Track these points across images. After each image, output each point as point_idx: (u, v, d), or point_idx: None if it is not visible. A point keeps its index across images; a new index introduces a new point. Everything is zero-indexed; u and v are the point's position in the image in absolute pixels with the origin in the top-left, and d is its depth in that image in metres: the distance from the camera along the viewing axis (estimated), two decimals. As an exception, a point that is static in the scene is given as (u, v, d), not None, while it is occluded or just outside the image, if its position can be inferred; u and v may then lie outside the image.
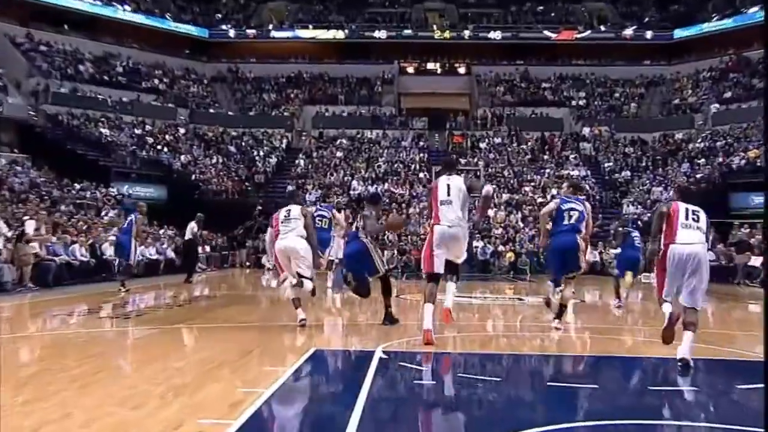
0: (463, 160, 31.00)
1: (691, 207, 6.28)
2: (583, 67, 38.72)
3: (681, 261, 6.00)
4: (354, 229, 8.75)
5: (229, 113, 35.89)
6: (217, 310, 10.60)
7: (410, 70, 40.08)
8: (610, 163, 31.18)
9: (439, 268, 7.08)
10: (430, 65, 40.29)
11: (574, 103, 36.46)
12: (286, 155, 33.14)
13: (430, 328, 6.88)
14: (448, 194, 7.12)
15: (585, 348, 7.56)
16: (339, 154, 32.37)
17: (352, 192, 28.60)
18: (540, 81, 38.26)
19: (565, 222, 7.89)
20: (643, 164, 31.01)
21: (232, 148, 32.73)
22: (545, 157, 32.02)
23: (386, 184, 29.30)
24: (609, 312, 11.07)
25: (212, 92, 37.49)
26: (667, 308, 6.15)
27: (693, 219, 6.19)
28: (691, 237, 6.08)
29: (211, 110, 35.59)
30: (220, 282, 17.26)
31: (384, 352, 6.48)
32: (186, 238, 16.92)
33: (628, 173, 30.39)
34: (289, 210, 8.38)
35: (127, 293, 12.65)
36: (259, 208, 26.89)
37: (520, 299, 13.81)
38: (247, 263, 24.76)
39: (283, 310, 10.64)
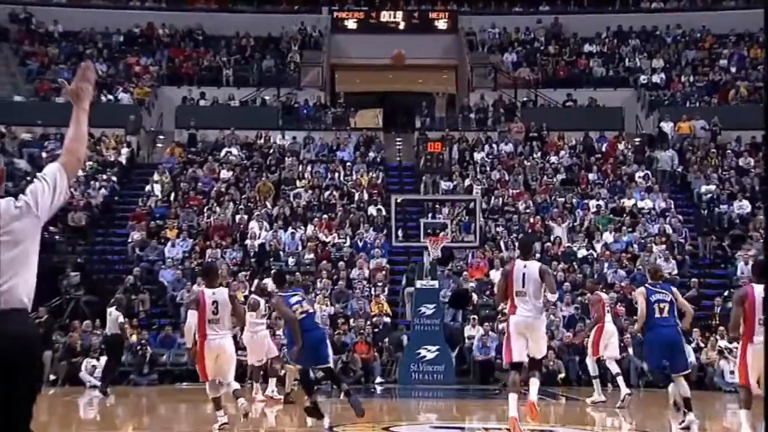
0: (444, 184, 31.09)
1: None
2: (662, 14, 39.66)
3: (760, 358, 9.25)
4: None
5: (16, 98, 35.78)
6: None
7: (350, 23, 40.54)
8: (711, 187, 31.52)
9: (521, 355, 11.23)
10: (387, 15, 40.79)
11: (643, 79, 37.27)
12: (127, 177, 33.07)
13: (516, 416, 11.00)
14: (523, 285, 11.28)
15: None
16: (226, 173, 32.31)
17: (248, 242, 28.44)
18: (581, 41, 39.17)
19: (657, 315, 12.13)
20: (776, 187, 31.23)
21: (22, 164, 32.32)
22: (591, 176, 32.45)
23: (310, 227, 29.24)
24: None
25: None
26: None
27: None
28: None
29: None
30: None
31: None
32: (110, 332, 20.49)
33: (746, 204, 30.51)
34: (216, 301, 11.83)
35: None
36: (74, 274, 26.51)
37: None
38: (54, 375, 24.33)
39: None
